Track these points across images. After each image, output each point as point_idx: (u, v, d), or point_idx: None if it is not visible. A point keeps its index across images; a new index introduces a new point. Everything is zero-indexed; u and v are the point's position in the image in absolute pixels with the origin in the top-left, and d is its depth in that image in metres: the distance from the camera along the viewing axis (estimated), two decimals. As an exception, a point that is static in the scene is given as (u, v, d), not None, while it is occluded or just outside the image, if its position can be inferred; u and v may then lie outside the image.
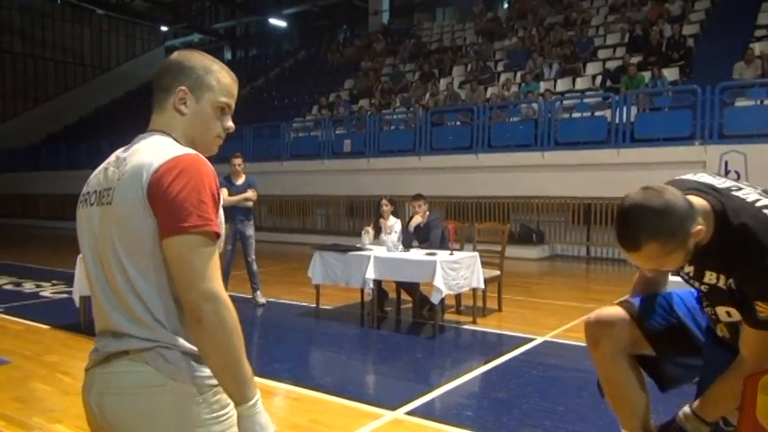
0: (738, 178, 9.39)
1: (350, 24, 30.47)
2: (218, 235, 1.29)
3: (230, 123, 1.47)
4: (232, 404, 1.32)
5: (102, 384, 1.33)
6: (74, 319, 5.84)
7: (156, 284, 1.29)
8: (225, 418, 1.33)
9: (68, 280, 6.50)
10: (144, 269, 1.29)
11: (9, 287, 8.29)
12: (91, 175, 1.46)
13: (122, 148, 1.43)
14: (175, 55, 1.46)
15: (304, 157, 15.39)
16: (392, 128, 14.82)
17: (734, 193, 1.63)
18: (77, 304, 5.72)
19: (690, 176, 1.75)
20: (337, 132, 15.41)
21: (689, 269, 1.74)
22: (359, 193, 14.09)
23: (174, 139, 1.39)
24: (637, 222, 1.52)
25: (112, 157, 1.42)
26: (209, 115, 1.43)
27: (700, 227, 1.54)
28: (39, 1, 27.68)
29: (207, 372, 1.31)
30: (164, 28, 31.90)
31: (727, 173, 9.80)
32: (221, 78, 1.44)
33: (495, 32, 18.31)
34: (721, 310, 1.75)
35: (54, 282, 8.58)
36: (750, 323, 1.65)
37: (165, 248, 1.26)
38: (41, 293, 7.83)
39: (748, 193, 1.63)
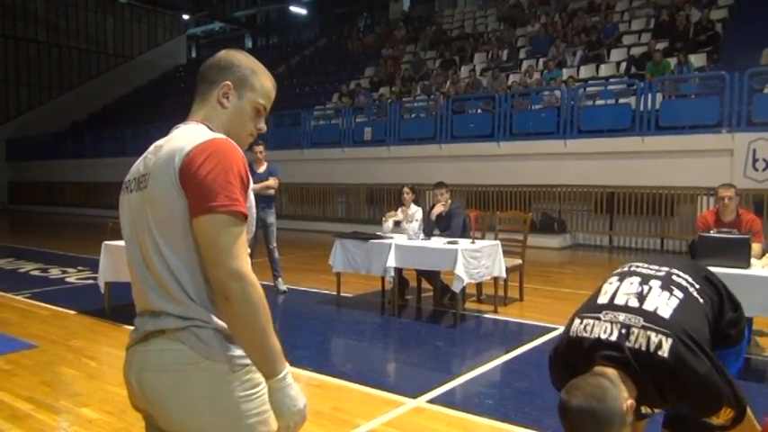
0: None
1: (370, 11, 30.35)
2: (245, 216, 1.34)
3: (263, 125, 1.56)
4: (264, 383, 1.38)
5: (142, 361, 1.40)
6: (99, 305, 5.93)
7: (189, 264, 1.35)
8: (256, 396, 1.39)
9: (94, 266, 6.60)
10: (177, 249, 1.35)
11: (36, 273, 8.44)
12: (132, 164, 1.53)
13: (162, 139, 1.50)
14: (224, 53, 1.54)
15: (325, 146, 15.40)
16: (413, 116, 14.73)
17: (627, 344, 1.82)
18: (102, 290, 5.82)
19: (584, 333, 1.91)
20: (358, 120, 15.37)
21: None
22: (379, 181, 14.07)
23: (211, 130, 1.44)
24: (584, 425, 1.74)
25: (152, 147, 1.49)
26: (248, 113, 1.51)
27: (629, 401, 1.76)
28: (62, -10, 27.97)
29: (239, 351, 1.36)
30: (185, 16, 32.06)
31: (755, 161, 9.61)
32: (264, 82, 1.52)
33: (517, 19, 18.09)
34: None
35: (80, 268, 8.72)
36: None
37: (195, 228, 1.32)
38: (67, 279, 7.95)
39: (638, 338, 1.82)
